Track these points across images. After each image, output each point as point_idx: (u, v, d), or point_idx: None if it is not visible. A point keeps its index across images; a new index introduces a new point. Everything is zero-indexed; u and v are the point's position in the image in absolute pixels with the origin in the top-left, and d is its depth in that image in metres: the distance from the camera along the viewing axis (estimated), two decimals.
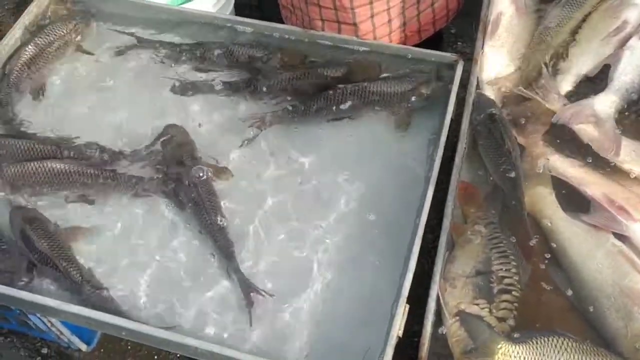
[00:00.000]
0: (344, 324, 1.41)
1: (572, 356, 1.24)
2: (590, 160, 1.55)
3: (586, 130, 1.58)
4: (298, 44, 1.85)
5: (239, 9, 2.53)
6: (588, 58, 1.72)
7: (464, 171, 1.60)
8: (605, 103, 1.62)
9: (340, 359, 1.37)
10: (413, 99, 1.71)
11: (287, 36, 1.84)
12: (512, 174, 1.51)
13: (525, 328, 1.32)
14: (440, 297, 1.34)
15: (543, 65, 1.69)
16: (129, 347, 2.11)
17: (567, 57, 1.74)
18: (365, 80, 1.72)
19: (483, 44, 1.74)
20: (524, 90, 1.66)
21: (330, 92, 1.70)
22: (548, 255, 1.45)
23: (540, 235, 1.48)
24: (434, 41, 2.03)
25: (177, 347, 1.35)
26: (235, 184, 1.62)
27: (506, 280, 1.38)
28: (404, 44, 1.90)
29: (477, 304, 1.34)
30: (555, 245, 1.45)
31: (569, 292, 1.39)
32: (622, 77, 1.65)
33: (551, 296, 1.41)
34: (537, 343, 1.26)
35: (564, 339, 1.25)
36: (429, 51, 1.77)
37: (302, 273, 1.48)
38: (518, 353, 1.26)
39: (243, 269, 1.47)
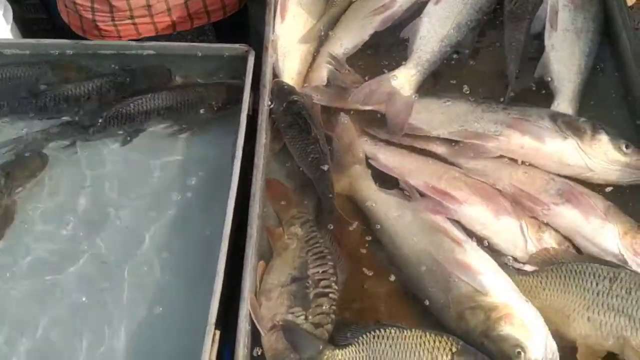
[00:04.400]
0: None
1: (397, 345, 1.17)
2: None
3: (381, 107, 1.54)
4: (75, 57, 1.63)
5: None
6: (350, 36, 1.67)
7: (276, 168, 1.50)
8: (404, 78, 1.58)
9: None
10: (202, 111, 1.58)
11: (54, 51, 1.61)
12: (322, 162, 1.43)
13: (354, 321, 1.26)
14: (253, 314, 1.23)
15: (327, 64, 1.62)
16: None
17: (333, 36, 1.69)
18: (151, 91, 1.57)
19: (273, 29, 1.63)
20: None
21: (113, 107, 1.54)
22: (369, 238, 1.39)
23: (362, 218, 1.42)
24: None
25: None
26: None
27: (322, 283, 1.28)
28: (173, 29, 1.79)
29: (293, 312, 1.24)
30: (377, 226, 1.39)
31: (392, 278, 1.34)
32: (422, 47, 1.61)
33: (375, 282, 1.34)
34: (361, 341, 1.19)
35: (387, 330, 1.19)
36: (218, 45, 1.63)
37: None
38: (344, 356, 1.19)
39: None
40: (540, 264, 1.29)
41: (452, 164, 1.48)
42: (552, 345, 1.18)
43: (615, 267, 1.24)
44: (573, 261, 1.26)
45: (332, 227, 1.38)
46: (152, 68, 1.63)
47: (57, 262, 1.39)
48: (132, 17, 1.81)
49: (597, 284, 1.21)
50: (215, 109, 1.59)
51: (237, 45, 1.60)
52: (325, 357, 1.18)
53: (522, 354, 1.15)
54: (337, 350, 1.19)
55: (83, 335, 1.31)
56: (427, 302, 1.28)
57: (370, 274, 1.35)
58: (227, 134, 1.55)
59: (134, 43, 1.63)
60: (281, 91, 1.55)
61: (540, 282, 1.25)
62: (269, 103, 1.51)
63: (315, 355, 1.18)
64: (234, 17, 2.00)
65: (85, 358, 1.28)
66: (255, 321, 1.22)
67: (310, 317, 1.24)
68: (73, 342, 1.30)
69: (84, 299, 1.35)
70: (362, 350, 1.18)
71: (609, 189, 1.41)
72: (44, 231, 1.44)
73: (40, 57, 1.63)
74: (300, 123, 1.49)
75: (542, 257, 1.29)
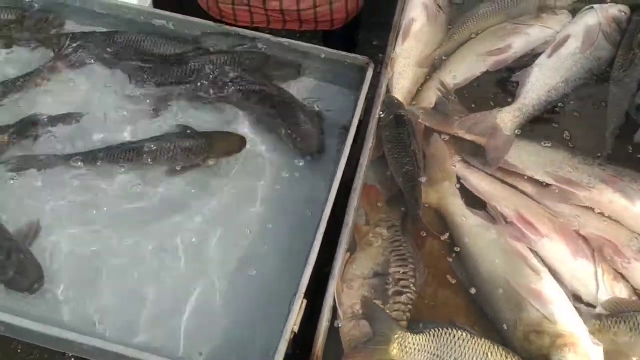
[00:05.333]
0: (242, 321, 1.38)
1: (465, 348, 1.25)
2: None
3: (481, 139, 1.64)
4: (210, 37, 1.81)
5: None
6: (463, 69, 1.79)
7: (371, 174, 1.61)
8: (508, 117, 1.68)
9: (238, 356, 1.33)
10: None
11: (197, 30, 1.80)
12: (416, 175, 1.54)
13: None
14: (337, 298, 1.33)
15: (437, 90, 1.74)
16: (19, 351, 1.98)
17: (447, 66, 1.81)
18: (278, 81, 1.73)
19: (394, 48, 1.76)
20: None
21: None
22: (448, 251, 1.48)
23: (447, 231, 1.51)
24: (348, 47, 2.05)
25: (62, 344, 1.27)
26: None
27: (402, 283, 1.38)
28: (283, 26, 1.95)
29: None
30: (458, 242, 1.48)
31: (472, 290, 1.42)
32: (530, 93, 1.72)
33: (453, 293, 1.43)
34: (433, 334, 1.28)
35: (460, 332, 1.27)
36: (342, 53, 1.77)
37: (197, 270, 1.44)
38: (414, 342, 1.27)
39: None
40: (612, 310, 1.35)
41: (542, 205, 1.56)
42: None
43: None
44: None
45: (416, 235, 1.48)
46: (285, 60, 1.78)
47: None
48: (249, 4, 2.01)
49: None
50: None
51: (359, 57, 1.74)
52: (397, 336, 1.26)
53: None
54: (409, 334, 1.27)
55: (191, 286, 1.43)
56: (494, 320, 1.36)
57: (446, 285, 1.44)
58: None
59: (267, 36, 1.79)
60: (391, 104, 1.67)
61: (611, 327, 1.32)
62: (381, 113, 1.64)
63: (388, 333, 1.26)
64: (343, 29, 2.16)
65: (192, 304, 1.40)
66: (337, 304, 1.32)
67: (388, 311, 1.33)
68: (178, 291, 1.42)
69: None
70: (432, 342, 1.26)
71: None
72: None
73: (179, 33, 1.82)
74: (402, 136, 1.60)
75: (616, 304, 1.35)
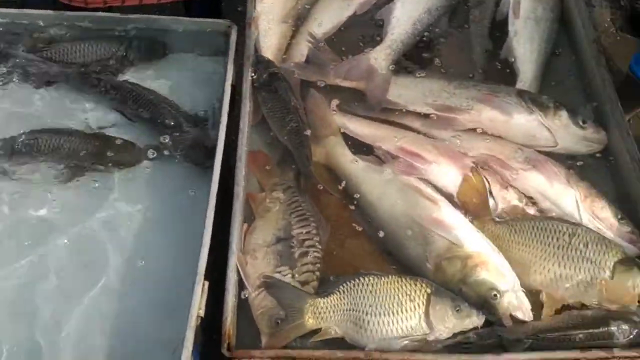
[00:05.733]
0: (148, 315, 1.30)
1: (376, 290, 1.24)
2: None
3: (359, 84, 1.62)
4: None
5: None
6: (329, 17, 1.76)
7: (255, 139, 1.55)
8: (380, 56, 1.66)
9: (149, 349, 1.26)
10: None
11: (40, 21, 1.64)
12: (302, 129, 1.49)
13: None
14: (241, 270, 1.27)
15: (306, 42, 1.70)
16: None
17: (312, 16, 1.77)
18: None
19: (255, 7, 1.69)
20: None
21: None
22: (346, 202, 1.46)
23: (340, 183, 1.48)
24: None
25: None
26: None
27: (307, 243, 1.34)
28: None
29: (280, 272, 1.29)
30: (355, 191, 1.46)
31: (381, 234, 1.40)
32: (396, 29, 1.71)
33: (360, 241, 1.41)
34: (342, 290, 1.26)
35: (367, 278, 1.26)
36: (202, 20, 1.67)
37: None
38: (327, 305, 1.24)
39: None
40: (503, 218, 1.39)
41: (427, 136, 1.56)
42: (520, 290, 1.28)
43: (574, 224, 1.36)
44: (535, 219, 1.37)
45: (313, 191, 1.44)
46: (149, 42, 1.67)
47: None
48: None
49: (557, 239, 1.32)
50: None
51: (220, 21, 1.66)
52: (308, 305, 1.23)
53: (498, 296, 1.25)
54: (320, 299, 1.24)
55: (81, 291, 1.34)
56: (405, 260, 1.36)
57: (352, 235, 1.42)
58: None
59: (118, 15, 1.66)
60: (262, 64, 1.60)
61: (508, 234, 1.35)
62: (252, 74, 1.57)
63: (300, 306, 1.22)
64: None
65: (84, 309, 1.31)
66: (243, 278, 1.27)
67: (297, 275, 1.29)
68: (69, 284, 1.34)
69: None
70: (344, 297, 1.24)
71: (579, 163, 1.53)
72: None
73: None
74: (280, 93, 1.54)
75: (510, 212, 1.40)
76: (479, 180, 1.41)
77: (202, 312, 1.18)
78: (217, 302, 1.24)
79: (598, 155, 1.54)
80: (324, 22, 1.74)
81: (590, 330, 1.21)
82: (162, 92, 1.61)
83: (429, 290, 1.25)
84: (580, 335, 1.20)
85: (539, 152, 1.51)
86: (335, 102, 1.60)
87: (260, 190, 1.47)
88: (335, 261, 1.37)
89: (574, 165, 1.51)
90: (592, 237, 1.32)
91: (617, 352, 1.17)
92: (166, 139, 1.52)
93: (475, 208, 1.40)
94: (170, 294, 1.32)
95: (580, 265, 1.29)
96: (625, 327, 1.21)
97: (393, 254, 1.39)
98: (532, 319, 1.25)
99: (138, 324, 1.30)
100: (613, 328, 1.21)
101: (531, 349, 1.20)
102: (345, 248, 1.41)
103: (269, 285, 1.25)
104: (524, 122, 1.53)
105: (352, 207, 1.45)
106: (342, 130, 1.56)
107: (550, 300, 1.29)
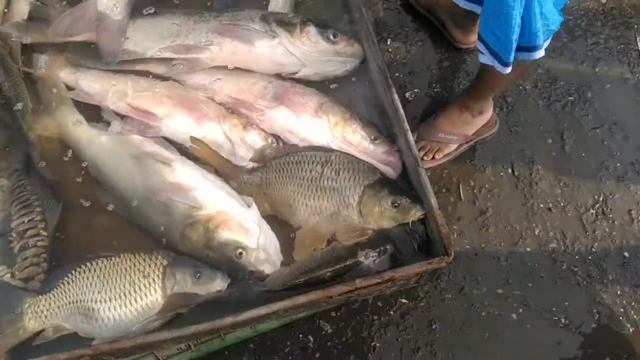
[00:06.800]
0: None
1: (109, 275, 1.13)
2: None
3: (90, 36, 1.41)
4: None
5: None
6: None
7: None
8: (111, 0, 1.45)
9: None
10: None
11: None
12: (15, 106, 1.31)
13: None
14: None
15: None
16: None
17: None
18: None
19: None
20: None
21: None
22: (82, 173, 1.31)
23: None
24: None
25: None
26: None
27: (29, 232, 1.20)
28: None
29: None
30: (90, 163, 1.31)
31: (111, 207, 1.28)
32: None
33: (107, 219, 1.27)
34: (67, 281, 1.14)
35: (97, 262, 1.15)
36: None
37: None
38: (49, 302, 1.12)
39: None
40: (260, 161, 1.28)
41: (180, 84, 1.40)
42: (272, 238, 1.20)
43: (328, 151, 1.27)
44: (290, 153, 1.26)
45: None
46: None
47: None
48: None
49: (311, 171, 1.23)
50: None
51: None
52: (27, 305, 1.11)
53: (244, 253, 1.15)
54: (41, 296, 1.12)
55: None
56: (155, 233, 1.24)
57: (98, 213, 1.28)
58: None
59: None
60: None
61: (263, 179, 1.26)
62: None
63: (15, 306, 1.10)
64: None
65: None
66: None
67: (17, 273, 1.16)
68: None
69: None
70: (68, 291, 1.13)
71: (333, 86, 1.42)
72: None
73: None
74: None
75: (261, 154, 1.28)
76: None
77: None
78: None
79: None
80: None
81: (338, 266, 1.14)
82: None
83: (164, 263, 1.14)
84: (329, 273, 1.13)
85: (294, 82, 1.38)
86: (61, 58, 1.40)
87: None
88: (82, 245, 1.24)
89: (329, 89, 1.39)
90: (345, 164, 1.23)
91: (359, 283, 1.09)
92: None
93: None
94: None
95: (332, 195, 1.21)
96: (372, 254, 1.14)
97: (143, 227, 1.26)
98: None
99: None
100: (361, 258, 1.14)
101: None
102: (93, 228, 1.27)
103: None
104: (268, 49, 1.38)
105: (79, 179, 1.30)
106: (73, 89, 1.38)
107: (308, 235, 1.21)
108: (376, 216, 1.19)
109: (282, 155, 1.27)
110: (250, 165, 1.29)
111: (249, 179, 1.27)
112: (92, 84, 1.37)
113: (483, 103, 1.44)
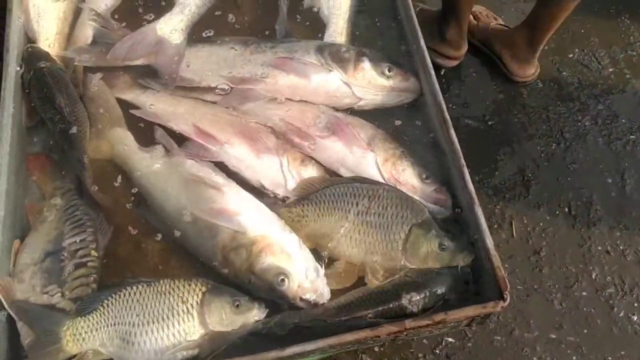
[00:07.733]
0: None
1: (148, 299, 1.13)
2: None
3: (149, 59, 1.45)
4: None
5: None
6: None
7: (35, 141, 1.39)
8: (171, 25, 1.48)
9: None
10: None
11: None
12: (70, 130, 1.32)
13: None
14: (4, 301, 1.14)
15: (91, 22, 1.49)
16: None
17: None
18: None
19: None
20: None
21: None
22: (132, 198, 1.32)
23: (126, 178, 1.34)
24: None
25: None
26: None
27: (80, 252, 1.21)
28: None
29: (47, 292, 1.16)
30: (140, 186, 1.32)
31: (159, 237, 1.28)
32: None
33: (156, 242, 1.28)
34: (106, 304, 1.14)
35: (136, 286, 1.14)
36: None
37: None
38: (88, 325, 1.13)
39: None
40: (303, 193, 1.26)
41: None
42: (316, 266, 1.18)
43: (376, 184, 1.25)
44: (335, 184, 1.25)
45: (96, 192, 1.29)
46: None
47: None
48: None
49: (357, 204, 1.21)
50: None
51: None
52: (65, 327, 1.11)
53: (286, 280, 1.14)
54: (80, 319, 1.12)
55: None
56: (203, 258, 1.23)
57: (141, 235, 1.29)
58: None
59: None
60: (32, 57, 1.42)
61: (303, 210, 1.24)
62: (18, 69, 1.39)
63: (55, 329, 1.11)
64: None
65: None
66: (7, 308, 1.14)
67: (67, 292, 1.17)
68: None
69: None
70: (107, 313, 1.13)
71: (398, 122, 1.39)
72: None
73: None
74: (46, 90, 1.37)
75: (304, 187, 1.26)
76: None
77: None
78: None
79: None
80: None
81: (381, 308, 1.11)
82: None
83: (203, 289, 1.14)
84: (370, 315, 1.11)
85: (347, 114, 1.38)
86: (126, 79, 1.43)
87: (43, 199, 1.32)
88: (132, 266, 1.25)
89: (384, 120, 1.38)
90: (392, 199, 1.21)
91: (408, 324, 1.06)
92: None
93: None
94: None
95: (377, 231, 1.19)
96: (417, 297, 1.11)
97: (191, 252, 1.26)
98: (328, 298, 1.15)
99: None
100: (404, 301, 1.11)
101: (321, 334, 1.08)
102: (142, 250, 1.28)
103: (19, 310, 1.12)
104: (322, 82, 1.38)
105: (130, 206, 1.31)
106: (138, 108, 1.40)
107: (350, 269, 1.19)
108: (422, 256, 1.17)
109: (327, 187, 1.26)
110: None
111: (289, 211, 1.26)
112: (159, 104, 1.40)
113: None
